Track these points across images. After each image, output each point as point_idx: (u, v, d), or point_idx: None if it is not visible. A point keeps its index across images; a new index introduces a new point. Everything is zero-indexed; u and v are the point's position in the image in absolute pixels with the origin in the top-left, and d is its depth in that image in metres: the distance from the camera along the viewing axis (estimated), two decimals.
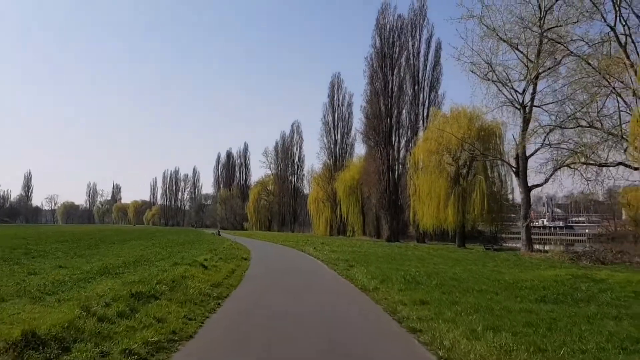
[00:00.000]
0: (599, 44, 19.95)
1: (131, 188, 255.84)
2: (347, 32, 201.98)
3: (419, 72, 46.46)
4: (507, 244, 44.14)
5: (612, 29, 19.14)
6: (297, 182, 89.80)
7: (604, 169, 24.03)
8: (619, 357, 5.78)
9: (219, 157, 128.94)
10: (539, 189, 30.75)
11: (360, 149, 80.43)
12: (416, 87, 46.38)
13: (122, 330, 6.26)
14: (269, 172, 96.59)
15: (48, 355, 4.98)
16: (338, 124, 67.46)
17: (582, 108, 22.39)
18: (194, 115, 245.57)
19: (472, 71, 31.28)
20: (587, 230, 70.75)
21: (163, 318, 7.09)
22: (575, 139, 24.86)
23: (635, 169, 18.80)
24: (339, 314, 8.64)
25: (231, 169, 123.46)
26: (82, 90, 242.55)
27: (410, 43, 47.25)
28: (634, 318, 8.17)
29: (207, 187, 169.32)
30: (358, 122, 65.51)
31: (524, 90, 29.89)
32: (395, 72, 47.52)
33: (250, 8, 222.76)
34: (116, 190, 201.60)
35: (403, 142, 47.93)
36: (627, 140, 19.23)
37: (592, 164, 20.96)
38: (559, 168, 28.05)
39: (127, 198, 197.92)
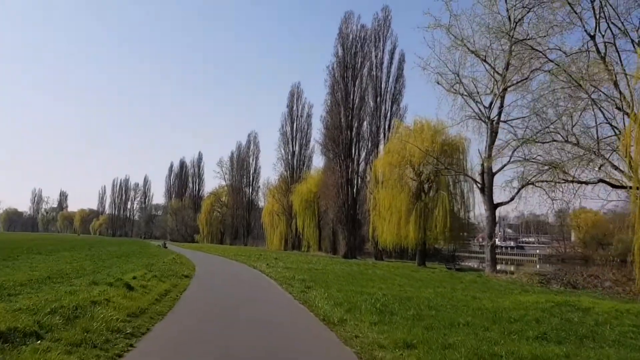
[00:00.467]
0: (577, 54, 18.82)
1: (79, 196, 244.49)
2: (310, 42, 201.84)
3: (381, 84, 45.15)
4: (464, 263, 43.24)
5: (592, 37, 18.04)
6: (252, 194, 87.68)
7: (571, 187, 23.12)
8: None
9: (171, 166, 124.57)
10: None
11: (318, 162, 79.19)
12: (378, 99, 45.01)
13: None
14: (223, 183, 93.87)
15: None
16: (296, 135, 65.56)
17: (556, 121, 21.27)
18: (147, 122, 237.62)
19: (438, 82, 30.10)
20: (537, 251, 71.89)
21: None
22: (543, 156, 23.84)
23: (618, 187, 17.62)
24: None
25: (184, 179, 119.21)
26: (27, 93, 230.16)
27: (373, 54, 46.05)
28: None
29: (159, 197, 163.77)
30: (317, 132, 63.90)
31: (490, 104, 28.89)
32: (357, 83, 46.10)
33: (210, 13, 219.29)
34: (63, 197, 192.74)
35: (363, 154, 46.43)
36: (604, 157, 18.06)
37: (570, 181, 19.70)
38: (525, 185, 27.04)
39: (74, 206, 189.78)
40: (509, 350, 6.77)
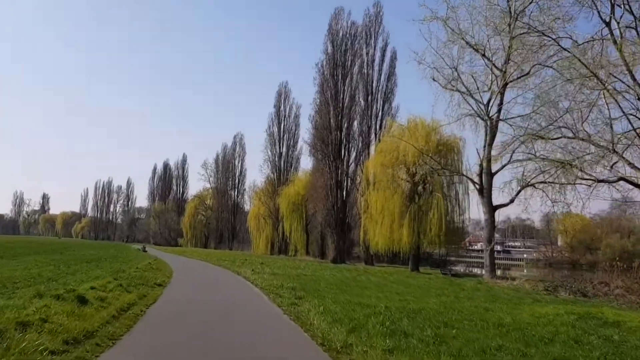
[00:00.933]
0: (589, 43, 17.29)
1: (61, 199, 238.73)
2: (299, 39, 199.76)
3: (372, 82, 43.37)
4: (455, 267, 41.70)
5: (607, 24, 16.51)
6: (237, 197, 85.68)
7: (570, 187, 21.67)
8: None
9: (155, 168, 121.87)
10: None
11: (306, 164, 76.99)
12: (369, 98, 43.24)
13: None
14: (208, 185, 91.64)
15: None
16: (284, 136, 63.67)
17: (561, 117, 19.78)
18: (131, 124, 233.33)
19: (434, 79, 28.55)
20: (525, 255, 71.02)
21: None
22: (546, 155, 22.34)
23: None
24: None
25: (168, 182, 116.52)
26: (13, 93, 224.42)
27: (364, 51, 44.32)
28: None
29: (142, 200, 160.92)
30: (306, 132, 62.10)
31: (489, 101, 27.40)
32: (347, 81, 44.38)
33: (194, 9, 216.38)
34: (45, 200, 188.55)
35: (353, 155, 44.58)
36: (619, 154, 16.51)
37: (587, 179, 18.12)
38: (526, 187, 25.55)
39: (56, 209, 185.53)
40: None
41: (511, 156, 25.40)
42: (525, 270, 43.98)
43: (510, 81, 25.90)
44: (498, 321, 10.33)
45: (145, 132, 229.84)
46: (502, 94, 26.53)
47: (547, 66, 22.95)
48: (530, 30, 22.02)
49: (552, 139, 19.44)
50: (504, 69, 25.99)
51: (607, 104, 17.21)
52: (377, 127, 42.37)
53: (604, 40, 16.97)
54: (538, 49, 22.63)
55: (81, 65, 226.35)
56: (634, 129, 16.02)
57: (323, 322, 8.67)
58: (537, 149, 23.20)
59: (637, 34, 15.81)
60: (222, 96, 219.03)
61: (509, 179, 25.97)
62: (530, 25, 22.45)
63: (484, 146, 27.27)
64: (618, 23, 16.70)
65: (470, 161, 33.19)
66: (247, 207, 79.89)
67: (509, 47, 25.61)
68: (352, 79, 44.45)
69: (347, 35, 45.14)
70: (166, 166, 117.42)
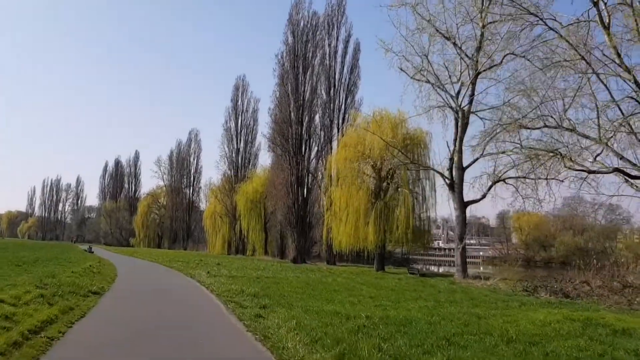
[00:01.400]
0: (575, 25, 16.12)
1: (7, 197, 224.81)
2: (257, 28, 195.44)
3: (335, 74, 41.58)
4: (418, 266, 40.61)
5: (595, 4, 15.36)
6: (192, 195, 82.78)
7: (548, 182, 20.74)
8: None
9: (106, 165, 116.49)
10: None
11: (265, 159, 74.92)
12: (331, 91, 41.47)
13: None
14: (162, 183, 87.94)
15: None
16: (242, 131, 61.32)
17: (536, 106, 18.70)
18: (79, 118, 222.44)
19: (402, 69, 27.12)
20: (481, 253, 71.72)
21: None
22: (526, 144, 21.22)
23: (636, 177, 14.98)
24: None
25: (119, 179, 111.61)
26: None
27: (326, 42, 42.50)
28: None
29: (92, 198, 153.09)
30: (265, 127, 59.96)
31: (458, 92, 26.24)
32: (308, 73, 42.42)
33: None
34: None
35: (315, 151, 42.70)
36: (607, 145, 15.43)
37: (578, 170, 16.95)
38: (496, 182, 24.54)
39: (1, 208, 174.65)
40: None
41: (483, 150, 24.34)
42: (481, 268, 43.66)
43: (482, 70, 24.85)
44: (503, 333, 8.75)
45: (95, 128, 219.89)
46: (473, 84, 25.48)
47: (521, 56, 21.94)
48: (515, 5, 20.48)
49: (535, 128, 18.25)
50: (475, 58, 24.89)
51: (592, 90, 16.10)
52: (340, 120, 40.68)
53: (591, 22, 15.81)
54: (512, 35, 21.59)
55: (33, 56, 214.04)
56: (625, 117, 14.93)
57: (299, 343, 6.72)
58: (521, 139, 22.02)
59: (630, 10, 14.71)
60: (176, 90, 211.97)
61: (480, 174, 25.07)
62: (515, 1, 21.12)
63: (454, 139, 26.13)
64: (605, 4, 15.62)
65: (439, 156, 31.96)
66: (202, 205, 77.34)
67: (480, 35, 24.55)
68: (313, 71, 42.59)
69: (309, 25, 43.25)
70: (118, 163, 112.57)
